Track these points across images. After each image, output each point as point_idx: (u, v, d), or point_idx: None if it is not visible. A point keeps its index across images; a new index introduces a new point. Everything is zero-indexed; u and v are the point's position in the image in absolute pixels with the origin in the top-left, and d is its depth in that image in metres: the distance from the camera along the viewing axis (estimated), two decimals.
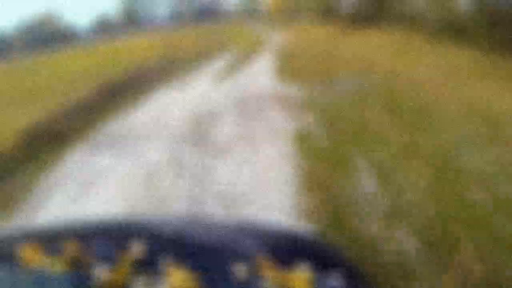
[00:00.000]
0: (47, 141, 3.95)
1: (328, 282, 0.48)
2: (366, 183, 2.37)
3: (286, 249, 0.55)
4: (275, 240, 0.58)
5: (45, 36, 25.60)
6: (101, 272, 0.47)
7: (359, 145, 2.98)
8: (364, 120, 3.59)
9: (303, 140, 3.29)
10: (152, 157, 3.26)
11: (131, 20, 30.43)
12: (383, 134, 3.15)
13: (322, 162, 2.76)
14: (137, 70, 8.43)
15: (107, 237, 0.56)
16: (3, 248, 0.54)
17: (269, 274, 0.47)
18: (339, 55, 8.24)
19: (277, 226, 0.68)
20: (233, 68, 8.44)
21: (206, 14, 29.31)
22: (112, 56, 12.54)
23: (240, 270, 0.48)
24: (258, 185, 2.53)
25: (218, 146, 3.38)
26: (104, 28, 28.94)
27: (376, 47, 8.98)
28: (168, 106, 5.40)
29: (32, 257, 0.49)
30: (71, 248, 0.50)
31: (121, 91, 6.43)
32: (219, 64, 9.41)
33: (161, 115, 4.88)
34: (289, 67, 7.50)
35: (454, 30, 7.51)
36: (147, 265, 0.48)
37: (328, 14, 16.59)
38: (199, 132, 3.87)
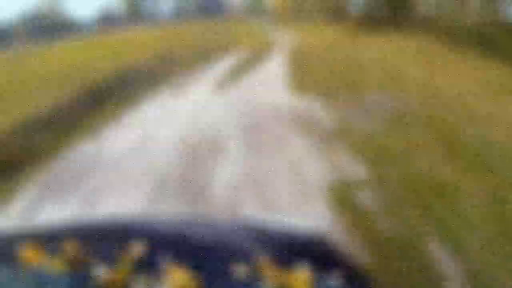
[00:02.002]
0: None
1: (328, 282, 0.67)
2: None
3: (286, 249, 0.75)
4: (275, 240, 0.78)
5: (47, 27, 31.83)
6: (101, 272, 0.67)
7: (431, 218, 2.70)
8: (424, 169, 3.47)
9: (344, 198, 3.02)
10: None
11: (134, 14, 38.69)
12: (461, 201, 2.90)
13: (381, 246, 2.45)
14: (127, 71, 9.08)
15: (107, 237, 0.76)
16: (3, 248, 0.74)
17: (269, 274, 0.67)
18: (361, 63, 9.07)
19: (277, 226, 0.88)
20: (239, 73, 9.10)
21: (211, 10, 37.06)
22: (109, 51, 14.27)
23: (240, 270, 0.68)
24: None
25: (219, 202, 3.12)
26: (107, 21, 36.13)
27: (398, 54, 9.96)
28: (155, 126, 5.46)
29: (32, 257, 0.69)
30: (71, 248, 0.70)
31: (103, 98, 6.86)
32: (222, 67, 10.25)
33: (144, 141, 4.87)
34: (305, 75, 8.12)
35: (479, 40, 8.45)
36: (147, 265, 0.68)
37: (337, 14, 19.99)
38: (192, 176, 3.70)
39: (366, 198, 3.04)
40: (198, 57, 11.75)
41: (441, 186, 3.14)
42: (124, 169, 3.98)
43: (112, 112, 6.27)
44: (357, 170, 3.56)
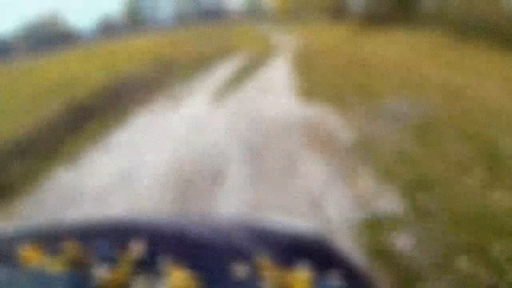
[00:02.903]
0: None
1: (328, 282, 0.80)
2: None
3: (286, 249, 0.89)
4: (275, 240, 0.92)
5: (48, 38, 38.39)
6: (101, 272, 0.81)
7: (490, 265, 2.54)
8: (471, 196, 3.36)
9: (377, 243, 2.86)
10: None
11: (135, 21, 46.04)
12: None
13: None
14: (119, 84, 9.72)
15: (107, 237, 0.91)
16: (3, 248, 0.89)
17: (269, 274, 0.80)
18: (372, 63, 9.70)
19: (277, 226, 1.03)
20: (241, 80, 9.66)
21: (211, 15, 44.00)
22: (104, 62, 16.01)
23: (240, 270, 0.81)
24: None
25: None
26: (107, 30, 43.24)
27: (410, 52, 10.72)
28: (145, 149, 5.56)
29: (32, 257, 0.84)
30: (71, 248, 0.84)
31: (89, 115, 7.23)
32: (222, 74, 10.94)
33: (132, 168, 4.91)
34: (313, 80, 8.60)
35: (491, 33, 9.27)
36: (147, 265, 0.82)
37: (339, 13, 23.02)
38: (187, 211, 3.76)
39: (405, 241, 2.85)
40: (197, 64, 12.69)
41: (496, 218, 2.99)
42: (109, 203, 4.07)
43: (98, 132, 6.51)
44: (389, 201, 3.43)
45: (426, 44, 11.53)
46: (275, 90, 8.33)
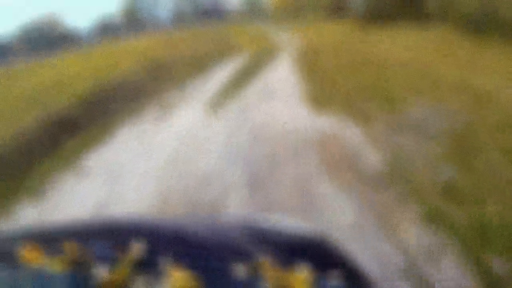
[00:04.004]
0: None
1: (328, 282, 0.96)
2: None
3: (286, 249, 1.05)
4: (275, 240, 1.08)
5: (47, 39, 44.82)
6: (101, 272, 0.97)
7: None
8: None
9: None
10: None
11: (133, 22, 54.27)
12: None
13: None
14: (106, 91, 10.24)
15: (107, 238, 1.07)
16: (3, 248, 1.06)
17: (269, 274, 0.97)
18: (383, 63, 10.18)
19: (277, 226, 1.19)
20: (241, 86, 10.04)
21: (210, 15, 50.58)
22: (96, 65, 17.50)
23: (240, 270, 0.98)
24: None
25: None
26: (106, 30, 51.80)
27: (422, 50, 11.21)
28: (125, 178, 5.53)
29: (32, 257, 1.01)
30: (71, 248, 1.01)
31: (65, 131, 7.42)
32: (221, 78, 11.45)
33: (107, 203, 4.86)
34: (323, 85, 8.90)
35: (500, 27, 9.91)
36: (147, 265, 0.98)
37: (339, 11, 25.71)
38: None
39: None
40: (194, 66, 13.43)
41: None
42: None
43: (75, 152, 6.63)
44: (446, 263, 3.05)
45: (435, 42, 12.12)
46: (279, 96, 8.59)
